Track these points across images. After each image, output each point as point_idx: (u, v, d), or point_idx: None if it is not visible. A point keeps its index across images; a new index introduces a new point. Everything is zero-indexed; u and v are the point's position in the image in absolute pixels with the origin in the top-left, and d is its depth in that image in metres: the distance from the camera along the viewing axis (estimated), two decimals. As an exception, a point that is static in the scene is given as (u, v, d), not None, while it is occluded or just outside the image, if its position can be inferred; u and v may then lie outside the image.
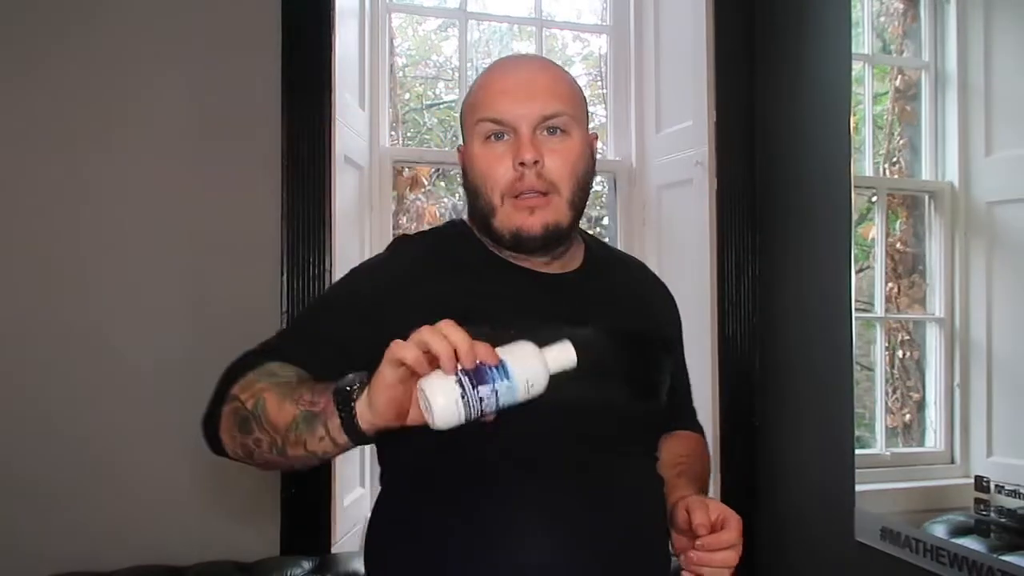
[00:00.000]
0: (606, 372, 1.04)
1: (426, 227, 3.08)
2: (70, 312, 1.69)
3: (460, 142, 1.10)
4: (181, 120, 1.76)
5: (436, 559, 0.97)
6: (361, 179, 2.09)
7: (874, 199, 1.82)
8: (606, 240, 1.80)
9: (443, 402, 0.75)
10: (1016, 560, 1.36)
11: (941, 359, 1.62)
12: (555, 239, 1.03)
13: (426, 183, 3.11)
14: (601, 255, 1.16)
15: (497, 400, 0.77)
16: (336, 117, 1.85)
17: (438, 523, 0.97)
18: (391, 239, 1.86)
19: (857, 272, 1.78)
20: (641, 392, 1.08)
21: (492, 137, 1.01)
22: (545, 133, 1.00)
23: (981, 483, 1.45)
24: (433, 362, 0.77)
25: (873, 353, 1.82)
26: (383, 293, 1.01)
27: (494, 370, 0.77)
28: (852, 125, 1.77)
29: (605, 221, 2.66)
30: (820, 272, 1.86)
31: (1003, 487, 1.41)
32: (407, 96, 3.62)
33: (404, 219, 3.05)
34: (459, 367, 0.76)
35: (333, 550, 1.78)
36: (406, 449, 1.00)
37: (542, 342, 0.84)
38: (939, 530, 1.52)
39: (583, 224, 1.13)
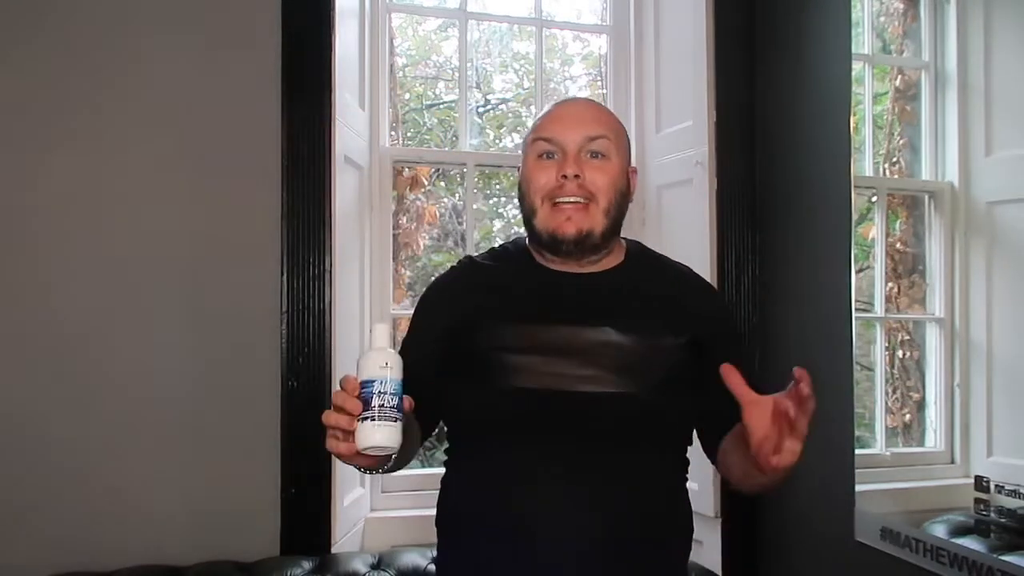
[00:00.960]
0: (608, 366, 1.10)
1: (426, 227, 3.07)
2: (70, 312, 1.69)
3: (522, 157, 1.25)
4: (181, 120, 1.76)
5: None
6: (361, 179, 2.09)
7: (874, 199, 1.82)
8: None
9: (367, 436, 0.94)
10: (1016, 560, 1.36)
11: (941, 359, 1.62)
12: (588, 245, 1.15)
13: (426, 183, 3.11)
14: (639, 258, 1.26)
15: (384, 394, 0.95)
16: (336, 117, 1.85)
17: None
18: (391, 239, 1.94)
19: (857, 272, 1.78)
20: (651, 387, 1.11)
21: (544, 156, 1.17)
22: (588, 156, 1.16)
23: (981, 483, 1.45)
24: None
25: (873, 353, 1.82)
26: (444, 303, 1.23)
27: (364, 389, 0.95)
28: (852, 125, 1.77)
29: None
30: (820, 272, 1.86)
31: (1003, 487, 1.41)
32: (407, 96, 3.62)
33: (404, 219, 3.04)
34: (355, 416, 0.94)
35: (333, 550, 1.78)
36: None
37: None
38: (939, 530, 1.52)
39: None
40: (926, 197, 1.68)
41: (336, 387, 0.97)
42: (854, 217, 1.77)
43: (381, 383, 0.95)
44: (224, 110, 1.79)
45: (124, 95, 1.74)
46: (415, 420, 1.12)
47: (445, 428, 1.23)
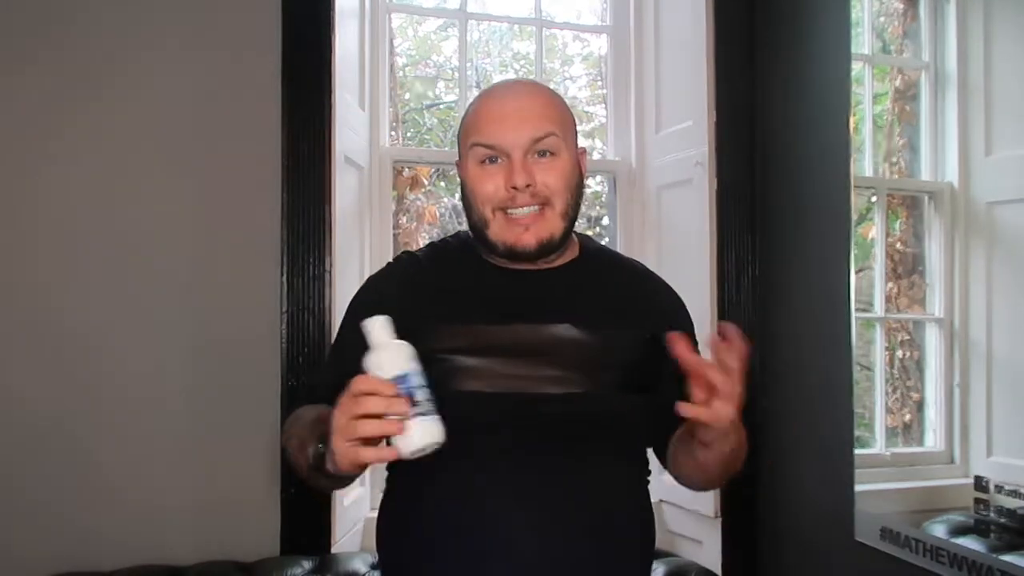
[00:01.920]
0: (568, 364, 1.06)
1: (426, 227, 3.07)
2: (69, 312, 1.69)
3: (458, 156, 1.17)
4: (181, 120, 1.76)
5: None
6: (361, 179, 2.09)
7: (874, 199, 1.82)
8: (605, 241, 1.80)
9: (425, 434, 0.87)
10: (1016, 560, 1.36)
11: (941, 359, 1.62)
12: (548, 250, 1.10)
13: (426, 183, 3.11)
14: (593, 254, 1.21)
15: (424, 387, 0.88)
16: (336, 117, 1.84)
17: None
18: (391, 239, 1.95)
19: (857, 272, 1.78)
20: (612, 385, 1.09)
21: (487, 161, 1.09)
22: (536, 156, 1.08)
23: (981, 483, 1.45)
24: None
25: (873, 353, 1.82)
26: (386, 305, 1.07)
27: (402, 385, 0.86)
28: (852, 125, 1.77)
29: (605, 221, 2.66)
30: (820, 272, 1.86)
31: (1003, 487, 1.41)
32: (407, 96, 3.62)
33: (404, 219, 3.05)
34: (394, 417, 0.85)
35: (333, 550, 1.78)
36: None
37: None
38: (939, 530, 1.52)
39: (583, 226, 1.15)
40: (926, 197, 1.68)
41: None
42: (854, 217, 1.77)
43: (417, 376, 0.88)
44: (224, 110, 1.78)
45: (124, 95, 1.74)
46: None
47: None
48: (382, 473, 1.17)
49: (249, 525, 1.74)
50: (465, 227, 1.20)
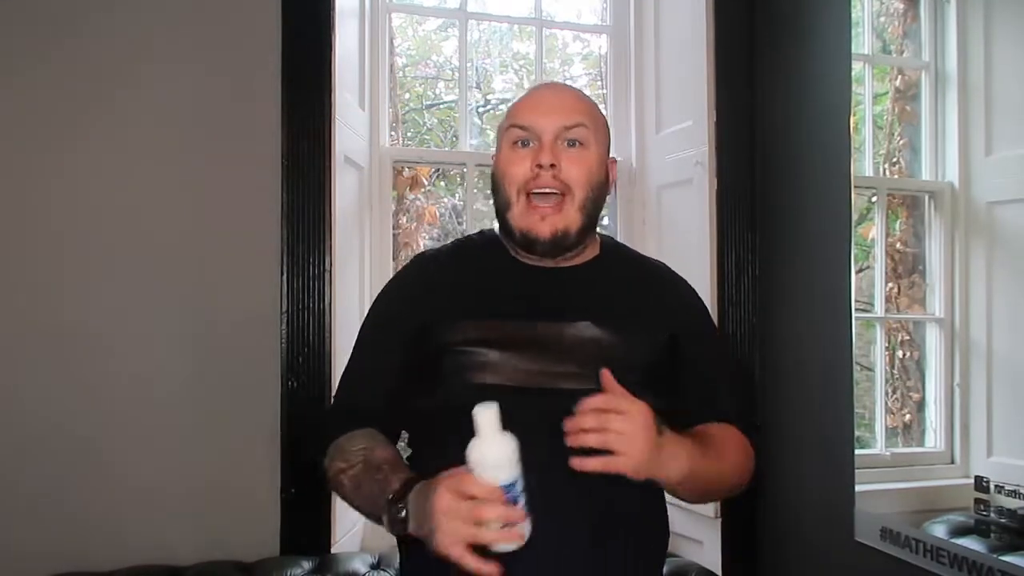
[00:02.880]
0: (587, 362, 1.06)
1: (426, 227, 3.07)
2: (70, 312, 1.69)
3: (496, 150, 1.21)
4: (181, 120, 1.76)
5: None
6: (361, 179, 2.09)
7: (874, 199, 1.82)
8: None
9: (518, 540, 0.91)
10: (1016, 560, 1.36)
11: (941, 359, 1.62)
12: (564, 244, 1.11)
13: (426, 183, 3.11)
14: (615, 253, 1.23)
15: (522, 496, 0.91)
16: (336, 117, 1.85)
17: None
18: (391, 239, 1.94)
19: (857, 272, 1.78)
20: (631, 383, 1.06)
21: (519, 143, 1.13)
22: (565, 144, 1.12)
23: (981, 483, 1.45)
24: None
25: (873, 353, 1.82)
26: (407, 306, 1.17)
27: (509, 494, 0.89)
28: (852, 125, 1.77)
29: (605, 221, 2.65)
30: (820, 272, 1.86)
31: (1003, 487, 1.41)
32: (407, 96, 3.62)
33: (404, 219, 3.04)
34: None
35: (333, 550, 1.78)
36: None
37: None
38: (939, 530, 1.52)
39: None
40: (926, 197, 1.68)
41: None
42: (854, 217, 1.77)
43: (521, 480, 0.90)
44: (224, 110, 1.78)
45: (124, 95, 1.74)
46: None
47: (407, 434, 1.19)
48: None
49: (249, 525, 1.74)
50: (478, 227, 1.23)
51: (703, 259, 2.03)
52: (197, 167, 1.77)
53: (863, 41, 1.83)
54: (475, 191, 2.55)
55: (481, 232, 1.25)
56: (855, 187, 1.76)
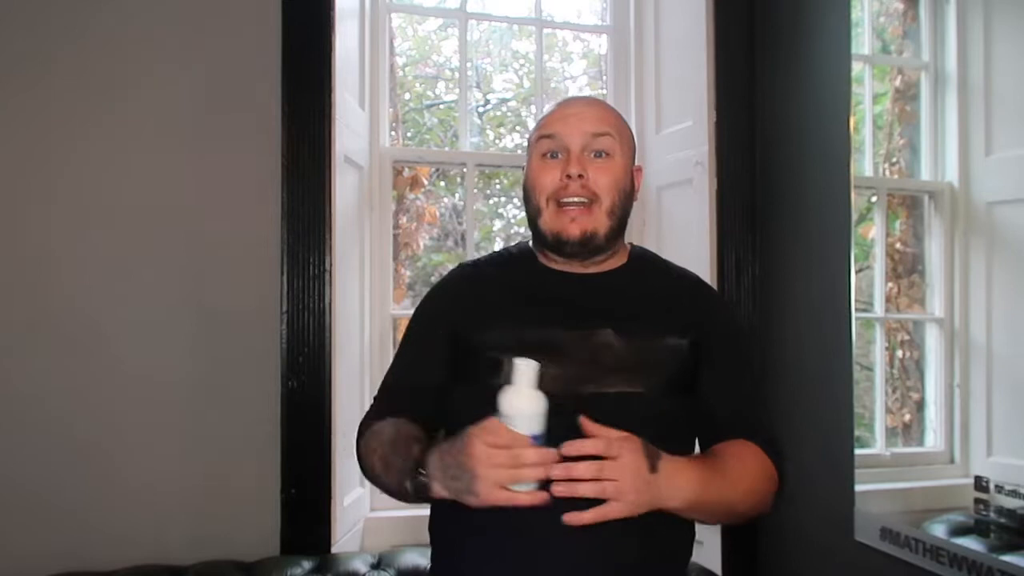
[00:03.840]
0: (608, 369, 1.09)
1: (426, 227, 3.07)
2: (69, 312, 1.69)
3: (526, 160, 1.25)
4: (181, 120, 1.76)
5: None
6: (361, 179, 2.09)
7: (874, 199, 1.82)
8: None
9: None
10: (1016, 560, 1.36)
11: (941, 359, 1.62)
12: (592, 246, 1.15)
13: (426, 183, 3.11)
14: (642, 260, 1.26)
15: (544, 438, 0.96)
16: (336, 117, 1.85)
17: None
18: (391, 239, 1.94)
19: (857, 272, 1.78)
20: (652, 389, 1.11)
21: (548, 155, 1.18)
22: (592, 155, 1.16)
23: (981, 483, 1.45)
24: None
25: (873, 353, 1.82)
26: (447, 310, 1.22)
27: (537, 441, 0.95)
28: (852, 125, 1.77)
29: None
30: (820, 272, 1.86)
31: (1003, 487, 1.41)
32: (407, 96, 3.62)
33: (404, 219, 3.05)
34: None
35: (333, 550, 1.78)
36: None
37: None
38: (939, 530, 1.53)
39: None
40: (926, 197, 1.68)
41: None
42: (854, 217, 1.77)
43: (545, 437, 0.95)
44: (224, 110, 1.78)
45: (124, 96, 1.74)
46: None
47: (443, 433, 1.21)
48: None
49: (249, 525, 1.75)
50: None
51: (703, 259, 2.03)
52: (197, 167, 1.77)
53: (863, 41, 1.83)
54: (475, 191, 2.55)
55: (519, 244, 1.30)
56: (855, 187, 1.76)
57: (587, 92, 3.52)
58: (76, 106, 1.71)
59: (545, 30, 2.52)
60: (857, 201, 1.78)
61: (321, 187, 1.81)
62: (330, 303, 1.81)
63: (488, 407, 0.97)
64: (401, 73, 3.47)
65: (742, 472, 1.10)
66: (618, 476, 0.96)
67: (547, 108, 1.28)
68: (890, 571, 1.61)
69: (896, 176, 1.82)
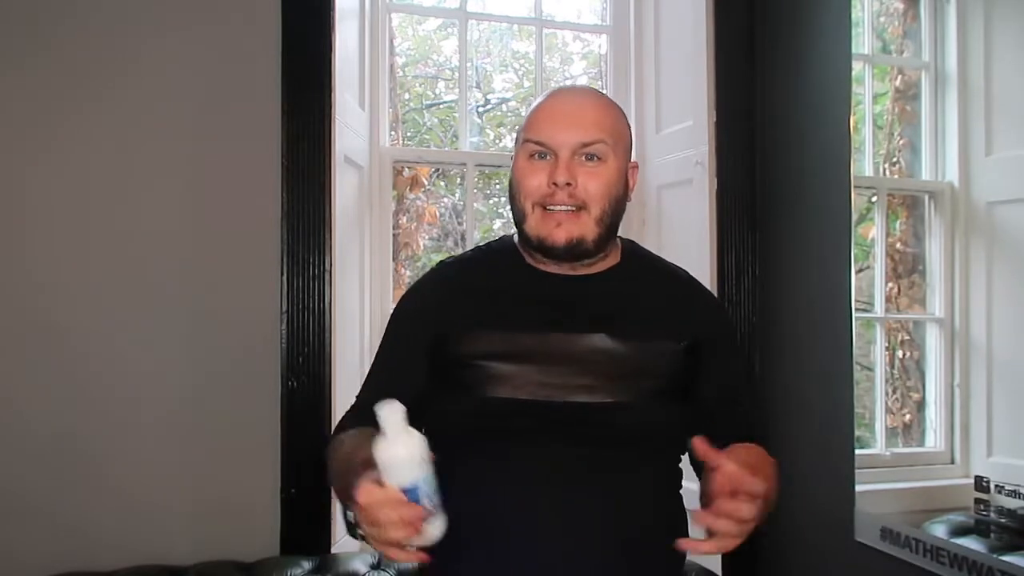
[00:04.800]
0: (603, 374, 1.07)
1: (425, 227, 3.06)
2: (69, 312, 1.69)
3: (514, 152, 1.19)
4: (181, 120, 1.76)
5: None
6: (361, 179, 2.09)
7: (874, 199, 1.82)
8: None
9: (430, 535, 0.92)
10: (1016, 560, 1.36)
11: (941, 359, 1.62)
12: (579, 251, 1.09)
13: (426, 183, 3.11)
14: (634, 259, 1.20)
15: (430, 493, 0.90)
16: (336, 117, 1.85)
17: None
18: (391, 239, 1.91)
19: (857, 272, 1.78)
20: (647, 396, 1.08)
21: (536, 156, 1.11)
22: (583, 159, 1.09)
23: (981, 483, 1.45)
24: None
25: (873, 353, 1.82)
26: (427, 311, 1.15)
27: (410, 495, 0.88)
28: (852, 125, 1.77)
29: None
30: (820, 272, 1.86)
31: (1003, 487, 1.41)
32: (407, 96, 3.62)
33: (404, 219, 3.05)
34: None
35: (333, 550, 1.78)
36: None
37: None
38: (939, 530, 1.52)
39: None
40: (926, 197, 1.68)
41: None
42: (854, 217, 1.77)
43: (425, 483, 0.89)
44: (224, 110, 1.78)
45: (124, 95, 1.74)
46: None
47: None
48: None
49: (249, 525, 1.74)
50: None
51: (703, 259, 2.03)
52: (197, 167, 1.77)
53: (863, 41, 1.83)
54: (475, 191, 2.55)
55: (501, 239, 1.24)
56: (855, 187, 1.76)
57: (587, 92, 3.51)
58: (75, 106, 1.71)
59: (545, 30, 2.52)
60: (857, 201, 1.78)
61: (321, 187, 1.81)
62: (330, 303, 1.81)
63: (481, 419, 0.95)
64: (401, 73, 3.47)
65: (769, 471, 1.06)
66: (754, 516, 0.88)
67: (537, 100, 1.17)
68: (890, 571, 1.61)
69: (896, 176, 1.82)
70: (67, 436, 1.67)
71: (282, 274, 1.78)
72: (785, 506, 2.02)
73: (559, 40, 3.56)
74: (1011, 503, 1.40)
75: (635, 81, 2.36)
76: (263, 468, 1.75)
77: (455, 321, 1.10)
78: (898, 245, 1.79)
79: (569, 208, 1.08)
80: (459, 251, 1.41)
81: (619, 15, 2.41)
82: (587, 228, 1.08)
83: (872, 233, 1.80)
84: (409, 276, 3.12)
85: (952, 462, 1.57)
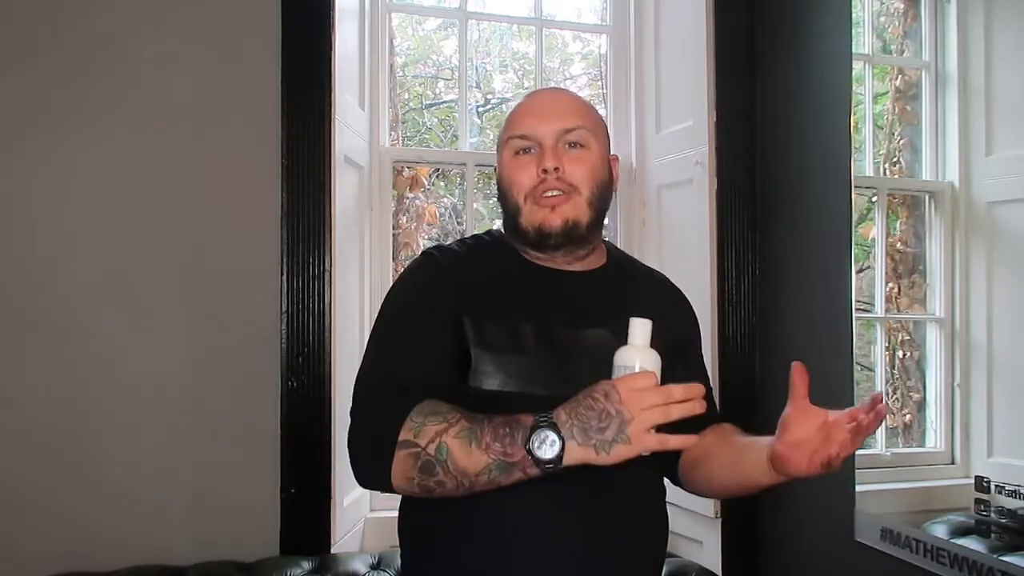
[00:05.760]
0: (602, 370, 1.06)
1: (425, 227, 3.07)
2: (69, 311, 1.69)
3: (497, 157, 1.21)
4: (181, 120, 1.76)
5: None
6: (361, 179, 2.09)
7: (874, 199, 1.82)
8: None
9: None
10: (1016, 560, 1.36)
11: (941, 359, 1.62)
12: (574, 236, 1.12)
13: (426, 183, 3.11)
14: (620, 259, 1.26)
15: None
16: (336, 117, 1.84)
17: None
18: (391, 239, 1.90)
19: (857, 272, 1.78)
20: None
21: (521, 152, 1.14)
22: (566, 147, 1.13)
23: (981, 483, 1.45)
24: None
25: (873, 353, 1.82)
26: (431, 296, 1.11)
27: None
28: (852, 125, 1.77)
29: (605, 221, 2.66)
30: (820, 272, 1.86)
31: (1003, 487, 1.41)
32: (407, 96, 3.62)
33: (404, 219, 3.04)
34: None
35: (333, 550, 1.78)
36: None
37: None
38: (939, 530, 1.52)
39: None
40: (926, 197, 1.68)
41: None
42: (854, 217, 1.77)
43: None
44: (224, 110, 1.78)
45: (124, 95, 1.74)
46: None
47: None
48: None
49: (249, 525, 1.74)
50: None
51: (703, 259, 2.03)
52: (197, 167, 1.77)
53: (863, 41, 1.83)
54: (475, 191, 2.54)
55: (489, 231, 1.25)
56: (855, 187, 1.76)
57: (587, 92, 3.52)
58: (75, 106, 1.71)
59: (545, 30, 2.51)
60: (857, 201, 1.78)
61: (321, 187, 1.81)
62: (330, 303, 1.81)
63: (473, 410, 0.98)
64: (401, 73, 3.47)
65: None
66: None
67: (514, 105, 1.21)
68: (890, 572, 1.61)
69: (896, 176, 1.82)
70: (67, 436, 1.67)
71: (282, 274, 1.78)
72: (785, 506, 2.03)
73: (559, 40, 3.55)
74: (1011, 503, 1.40)
75: (635, 81, 2.36)
76: (263, 468, 1.75)
77: (454, 312, 1.08)
78: (898, 245, 1.79)
79: (560, 192, 1.11)
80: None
81: (619, 15, 2.40)
82: (580, 210, 1.12)
83: (872, 233, 1.80)
84: (409, 276, 3.12)
85: (952, 462, 1.57)
